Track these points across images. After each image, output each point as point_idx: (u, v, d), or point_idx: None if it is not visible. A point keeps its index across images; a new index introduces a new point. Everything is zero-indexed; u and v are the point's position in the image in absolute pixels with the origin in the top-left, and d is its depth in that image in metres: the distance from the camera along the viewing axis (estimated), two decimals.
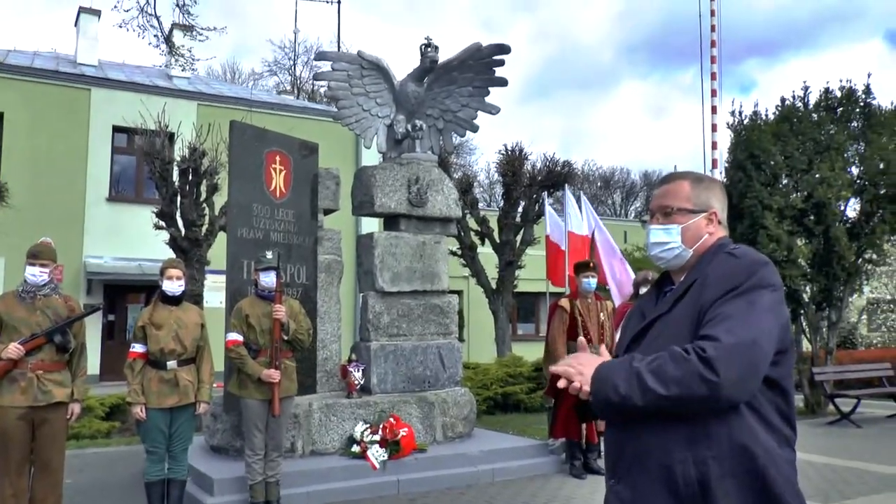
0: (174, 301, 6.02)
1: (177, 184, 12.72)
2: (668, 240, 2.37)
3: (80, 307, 5.78)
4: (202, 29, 12.74)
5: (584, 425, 7.69)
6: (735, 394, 2.00)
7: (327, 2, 35.59)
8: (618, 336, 8.40)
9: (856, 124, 13.05)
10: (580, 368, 2.15)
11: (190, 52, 13.39)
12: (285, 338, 6.31)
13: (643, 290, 8.51)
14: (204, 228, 12.77)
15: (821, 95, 13.18)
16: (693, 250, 2.35)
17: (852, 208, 13.19)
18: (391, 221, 8.89)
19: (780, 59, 76.87)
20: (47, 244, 5.69)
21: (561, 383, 2.18)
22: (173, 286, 5.97)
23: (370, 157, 15.61)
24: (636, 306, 2.54)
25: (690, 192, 2.39)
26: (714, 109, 14.82)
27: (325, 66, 8.87)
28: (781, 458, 2.11)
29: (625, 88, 77.98)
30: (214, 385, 8.32)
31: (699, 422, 2.06)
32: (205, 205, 12.86)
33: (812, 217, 12.60)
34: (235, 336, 6.31)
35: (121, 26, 12.11)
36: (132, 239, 18.31)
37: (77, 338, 5.72)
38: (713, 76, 14.84)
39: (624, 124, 72.49)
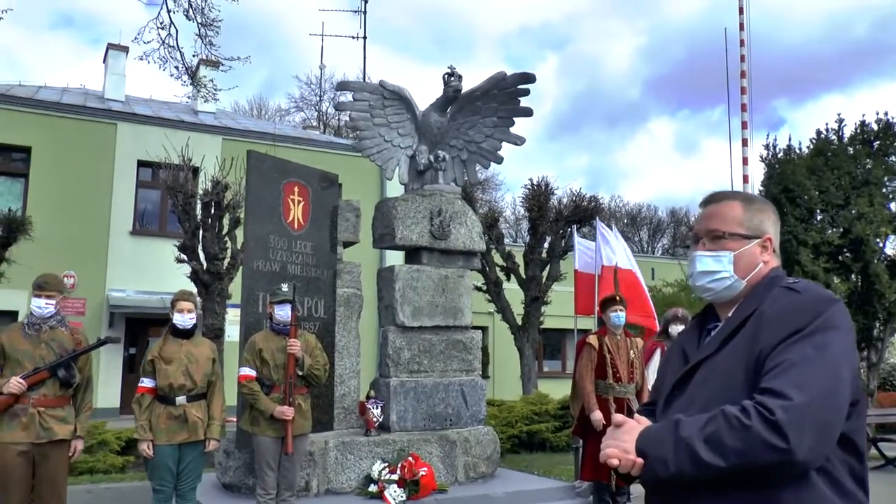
0: (185, 335, 5.83)
1: (199, 217, 12.67)
2: (718, 268, 2.08)
3: (86, 340, 5.58)
4: (225, 59, 12.67)
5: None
6: (809, 460, 1.71)
7: (353, 38, 35.71)
8: (648, 375, 8.10)
9: (894, 159, 12.70)
10: (624, 446, 1.87)
11: (212, 82, 13.32)
12: (300, 373, 6.06)
13: (673, 329, 8.21)
14: (226, 262, 12.68)
15: (856, 128, 12.86)
16: (746, 281, 2.07)
17: (891, 246, 12.82)
18: (413, 254, 8.66)
19: (809, 97, 76.33)
20: (53, 276, 5.50)
21: (612, 462, 1.88)
22: (184, 319, 5.77)
23: (394, 192, 15.49)
24: (677, 344, 2.24)
25: (743, 214, 2.11)
26: (745, 142, 14.51)
27: (347, 96, 8.73)
28: None
29: (653, 125, 77.90)
30: (228, 420, 8.12)
31: (762, 487, 1.76)
32: (227, 238, 12.79)
33: (849, 254, 12.23)
34: (248, 371, 6.07)
35: (142, 59, 12.06)
36: (155, 272, 18.22)
37: (83, 372, 5.52)
38: (743, 107, 14.54)
39: (652, 161, 72.29)
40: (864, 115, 13.19)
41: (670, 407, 2.02)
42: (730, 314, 2.05)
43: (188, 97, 17.76)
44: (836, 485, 1.80)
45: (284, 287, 6.20)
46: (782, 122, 79.39)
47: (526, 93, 8.80)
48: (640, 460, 1.83)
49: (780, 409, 1.68)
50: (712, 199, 2.19)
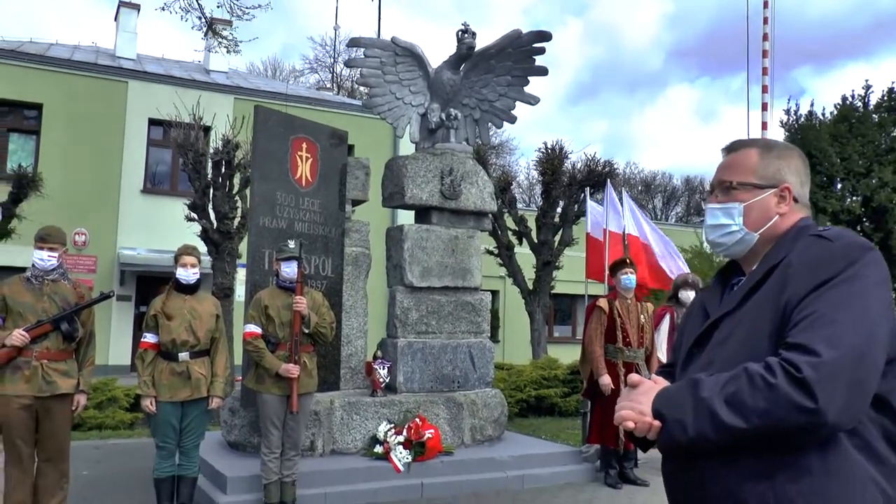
0: (189, 290, 5.74)
1: (210, 176, 12.60)
2: (727, 222, 1.96)
3: (89, 294, 5.51)
4: (246, 8, 12.46)
5: (621, 432, 7.27)
6: (840, 421, 1.57)
7: None
8: (658, 340, 8.01)
9: None
10: (640, 408, 1.75)
11: (233, 33, 13.15)
12: (306, 331, 5.98)
13: (683, 294, 8.09)
14: (236, 221, 12.62)
15: (883, 96, 12.54)
16: (760, 234, 1.92)
17: None
18: (423, 214, 8.53)
19: (833, 66, 75.06)
20: (56, 228, 5.41)
21: (628, 425, 1.77)
22: (188, 274, 5.68)
23: (407, 153, 15.32)
24: (698, 302, 2.10)
25: (758, 162, 1.96)
26: (765, 107, 14.18)
27: (359, 52, 8.56)
28: (891, 498, 1.64)
29: (672, 92, 76.99)
30: (234, 379, 8.07)
31: (786, 452, 1.63)
32: (237, 197, 12.72)
33: (868, 223, 12.02)
34: (253, 328, 6.00)
35: (163, 9, 11.91)
36: (166, 231, 18.19)
37: (85, 326, 5.46)
38: (764, 71, 14.20)
39: (670, 128, 71.57)
40: (893, 83, 12.89)
41: (688, 367, 1.89)
42: (754, 268, 1.91)
43: (209, 50, 17.54)
44: (868, 448, 1.65)
45: (291, 244, 6.11)
46: (803, 92, 78.23)
47: (541, 51, 8.59)
48: (657, 423, 1.71)
49: (808, 366, 1.54)
50: (731, 148, 2.05)
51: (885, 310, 1.65)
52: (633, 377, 1.86)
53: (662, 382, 1.81)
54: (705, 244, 24.62)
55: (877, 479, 1.64)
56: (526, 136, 60.19)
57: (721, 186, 1.99)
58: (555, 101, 65.69)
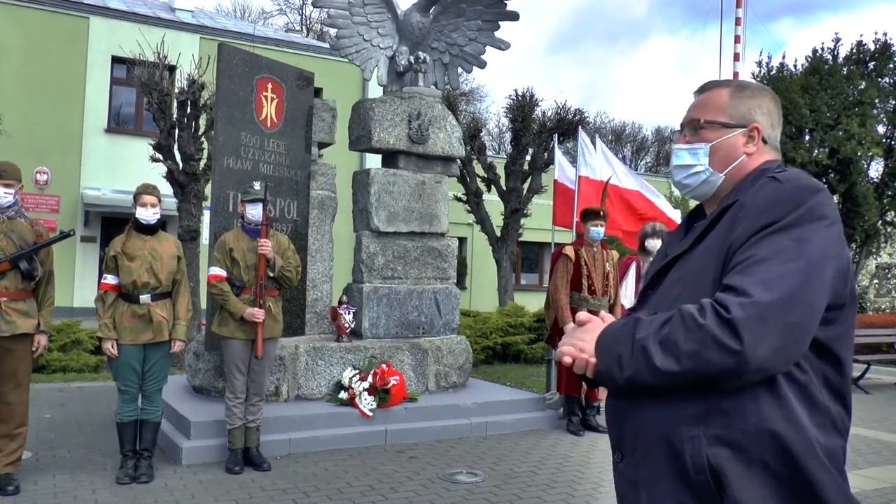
0: (149, 230, 5.62)
1: (175, 117, 12.36)
2: (692, 162, 1.90)
3: (47, 233, 5.39)
4: None
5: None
6: (769, 365, 1.54)
7: None
8: (624, 289, 8.04)
9: (889, 80, 12.42)
10: (581, 345, 1.74)
11: None
12: (271, 274, 5.92)
13: (650, 243, 8.10)
14: (202, 163, 12.41)
15: (852, 48, 12.54)
16: (725, 175, 1.86)
17: (875, 168, 12.69)
18: (390, 158, 8.42)
19: (814, 19, 74.93)
20: (10, 164, 5.26)
21: (566, 360, 1.75)
22: (147, 214, 5.56)
23: (376, 96, 15.14)
24: (661, 248, 2.06)
25: (728, 101, 1.89)
26: (736, 57, 14.14)
27: None
28: (825, 446, 1.62)
29: (653, 43, 76.50)
30: (200, 323, 7.99)
31: (714, 393, 1.61)
32: (203, 139, 12.48)
33: (834, 175, 12.11)
34: (218, 271, 5.92)
35: None
36: (131, 171, 17.80)
37: (44, 265, 5.35)
38: (738, 21, 14.12)
39: (647, 80, 71.27)
40: (861, 36, 12.89)
41: (642, 307, 1.86)
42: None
43: None
44: (807, 395, 1.63)
45: (256, 185, 6.01)
46: (783, 45, 78.10)
47: None
48: (592, 360, 1.70)
49: (737, 307, 1.52)
50: (703, 89, 1.99)
51: (834, 251, 1.62)
52: (582, 315, 1.84)
53: (609, 319, 1.80)
54: (674, 191, 24.78)
55: (811, 427, 1.62)
56: (503, 84, 59.74)
57: (690, 126, 1.94)
58: (534, 50, 65.12)
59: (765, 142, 1.88)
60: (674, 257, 1.85)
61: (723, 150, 1.87)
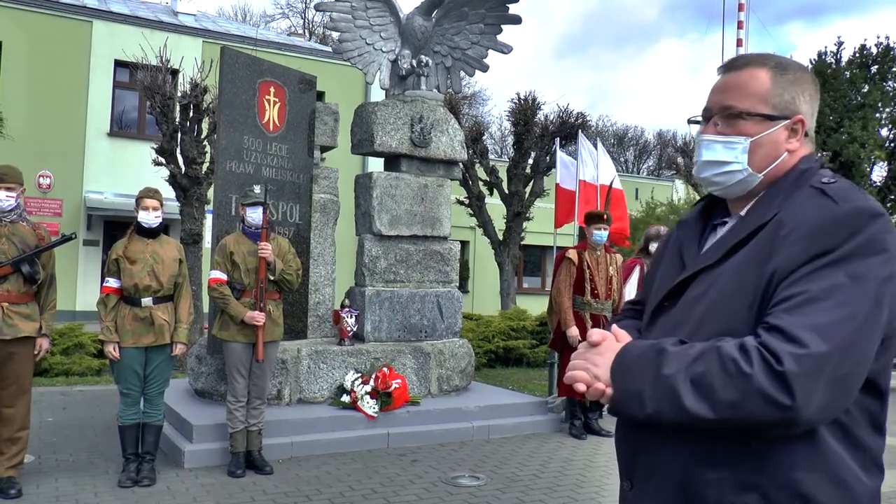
0: (151, 234, 5.62)
1: (178, 120, 12.38)
2: (728, 159, 1.62)
3: (49, 237, 5.38)
4: None
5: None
6: (818, 419, 1.39)
7: None
8: (626, 293, 8.01)
9: (892, 84, 12.39)
10: (595, 371, 1.55)
11: None
12: (271, 278, 5.91)
13: (654, 247, 8.08)
14: (205, 166, 12.44)
15: (855, 52, 12.53)
16: (764, 175, 1.62)
17: (878, 172, 12.66)
18: (392, 162, 8.43)
19: (825, 22, 74.72)
20: (12, 167, 5.25)
21: (580, 388, 1.57)
22: (149, 217, 5.56)
23: (379, 100, 15.16)
24: (673, 241, 1.82)
25: (771, 87, 1.60)
26: None
27: None
28: (870, 492, 1.49)
29: (661, 48, 76.47)
30: (202, 326, 7.98)
31: (748, 436, 1.45)
32: (206, 142, 12.51)
33: None
34: (218, 274, 5.92)
35: None
36: (134, 175, 17.86)
37: (46, 269, 5.35)
38: (740, 25, 14.15)
39: (653, 84, 71.20)
40: (864, 39, 12.88)
41: (656, 323, 1.69)
42: (743, 212, 1.64)
43: None
44: (849, 438, 1.47)
45: (256, 189, 6.00)
46: (792, 49, 77.99)
47: None
48: (609, 391, 1.52)
49: (789, 358, 1.33)
50: (733, 66, 1.68)
51: (886, 293, 1.41)
52: (594, 334, 1.62)
53: (624, 338, 1.60)
54: (675, 196, 24.71)
55: (855, 473, 1.47)
56: (510, 87, 59.76)
57: (724, 113, 1.63)
58: (543, 54, 65.15)
59: (806, 134, 1.64)
60: (697, 271, 1.63)
61: (764, 146, 1.61)
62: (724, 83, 1.66)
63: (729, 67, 1.69)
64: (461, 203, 17.34)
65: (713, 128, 1.66)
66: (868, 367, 1.42)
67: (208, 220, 12.64)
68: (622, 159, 50.51)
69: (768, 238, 1.49)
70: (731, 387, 1.36)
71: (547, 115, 17.23)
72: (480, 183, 17.30)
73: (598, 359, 1.56)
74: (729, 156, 1.62)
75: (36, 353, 5.30)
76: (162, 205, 5.67)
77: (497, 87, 57.52)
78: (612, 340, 1.60)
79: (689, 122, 13.59)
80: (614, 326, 1.68)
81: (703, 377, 1.39)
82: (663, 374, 1.43)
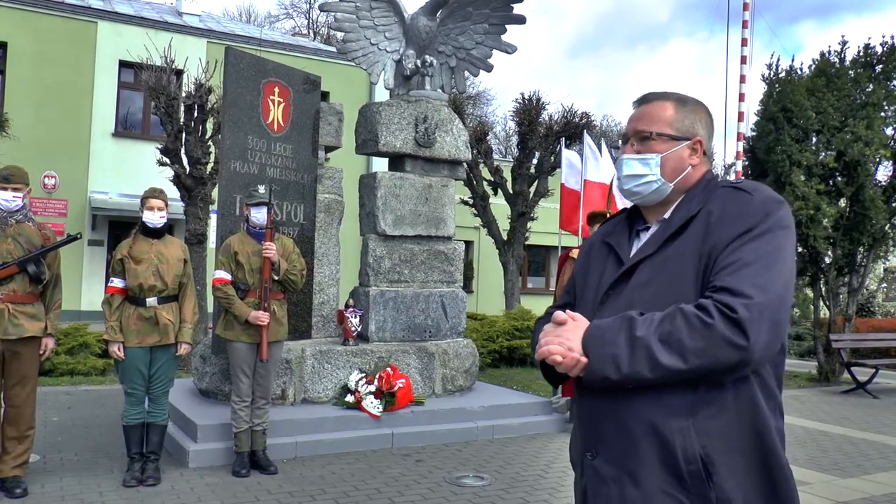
0: (156, 234, 5.62)
1: (182, 121, 12.40)
2: (644, 171, 2.01)
3: (54, 236, 5.40)
4: None
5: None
6: (763, 358, 1.74)
7: None
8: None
9: None
10: (569, 344, 1.81)
11: None
12: (276, 278, 5.92)
13: None
14: (209, 167, 12.43)
15: (859, 51, 12.47)
16: (674, 185, 2.00)
17: (883, 172, 12.60)
18: (396, 162, 8.44)
19: (837, 20, 74.37)
20: (19, 168, 5.26)
21: (555, 359, 1.82)
22: (154, 217, 5.57)
23: (383, 100, 15.18)
24: (600, 245, 2.13)
25: (674, 115, 2.02)
26: (744, 59, 14.12)
27: None
28: (778, 428, 1.84)
29: (673, 47, 76.26)
30: (207, 326, 7.99)
31: (701, 386, 1.75)
32: (210, 142, 12.51)
33: (841, 178, 12.05)
34: (223, 274, 5.93)
35: None
36: (138, 175, 17.90)
37: (52, 269, 5.36)
38: (744, 24, 14.11)
39: (664, 83, 70.97)
40: (869, 38, 12.82)
41: (604, 309, 1.93)
42: (666, 215, 2.00)
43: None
44: (764, 385, 1.82)
45: (261, 189, 6.01)
46: (801, 48, 77.81)
47: None
48: (584, 359, 1.78)
49: (741, 307, 1.66)
50: (644, 100, 2.09)
51: (793, 259, 1.81)
52: (559, 314, 1.88)
53: (583, 321, 1.86)
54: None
55: (770, 414, 1.81)
56: (519, 88, 59.60)
57: (638, 136, 2.03)
58: (554, 55, 64.98)
59: (705, 153, 2.03)
60: (638, 261, 1.93)
61: (672, 161, 1.99)
62: (639, 113, 2.06)
63: (641, 102, 2.08)
64: (465, 203, 17.35)
65: (631, 148, 2.04)
66: (789, 315, 1.78)
67: (213, 221, 12.63)
68: None
69: (702, 225, 1.85)
70: (697, 337, 1.67)
71: (551, 115, 17.24)
72: (485, 183, 17.30)
73: (568, 334, 1.82)
74: (644, 170, 2.00)
75: (41, 352, 5.31)
76: (167, 205, 5.68)
77: (508, 86, 57.45)
78: (580, 319, 1.86)
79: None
80: (567, 311, 1.91)
81: (670, 334, 1.69)
82: (636, 335, 1.71)
